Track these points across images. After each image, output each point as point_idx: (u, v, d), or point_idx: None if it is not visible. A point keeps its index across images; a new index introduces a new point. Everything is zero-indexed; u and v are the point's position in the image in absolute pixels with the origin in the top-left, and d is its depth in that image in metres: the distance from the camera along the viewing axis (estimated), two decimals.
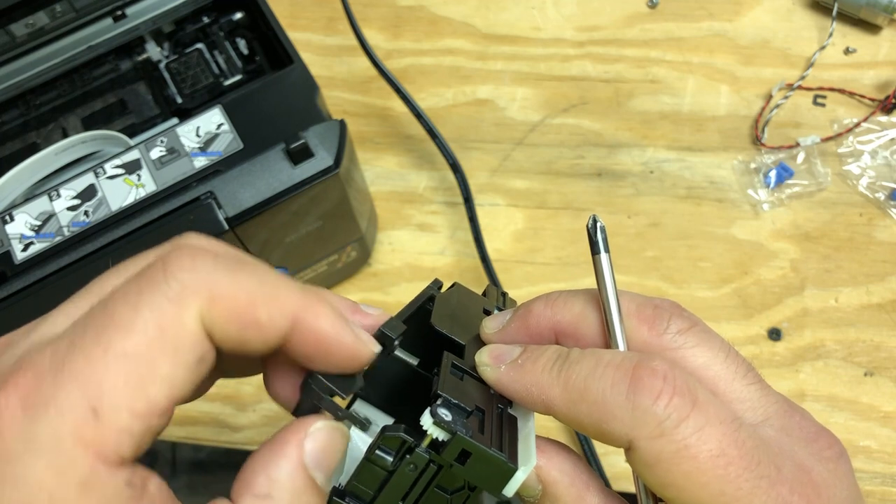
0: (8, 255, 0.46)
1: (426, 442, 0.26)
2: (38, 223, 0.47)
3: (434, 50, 0.74)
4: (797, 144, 0.66)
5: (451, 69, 0.73)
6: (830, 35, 0.70)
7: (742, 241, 0.64)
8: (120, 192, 0.47)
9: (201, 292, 0.22)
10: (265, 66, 0.55)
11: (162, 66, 0.55)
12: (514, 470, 0.26)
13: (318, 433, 0.25)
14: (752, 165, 0.66)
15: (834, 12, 0.70)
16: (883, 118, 0.67)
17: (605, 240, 0.29)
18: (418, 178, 0.69)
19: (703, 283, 0.62)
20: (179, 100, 0.53)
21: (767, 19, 0.72)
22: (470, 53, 0.73)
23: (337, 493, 0.27)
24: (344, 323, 0.26)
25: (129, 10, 0.54)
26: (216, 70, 0.54)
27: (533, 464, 0.27)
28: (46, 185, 0.50)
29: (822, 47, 0.70)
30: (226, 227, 0.47)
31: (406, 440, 0.26)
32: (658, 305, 0.29)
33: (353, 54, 0.72)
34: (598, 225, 0.29)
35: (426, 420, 0.26)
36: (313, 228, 0.53)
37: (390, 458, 0.26)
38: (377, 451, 0.26)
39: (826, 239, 0.63)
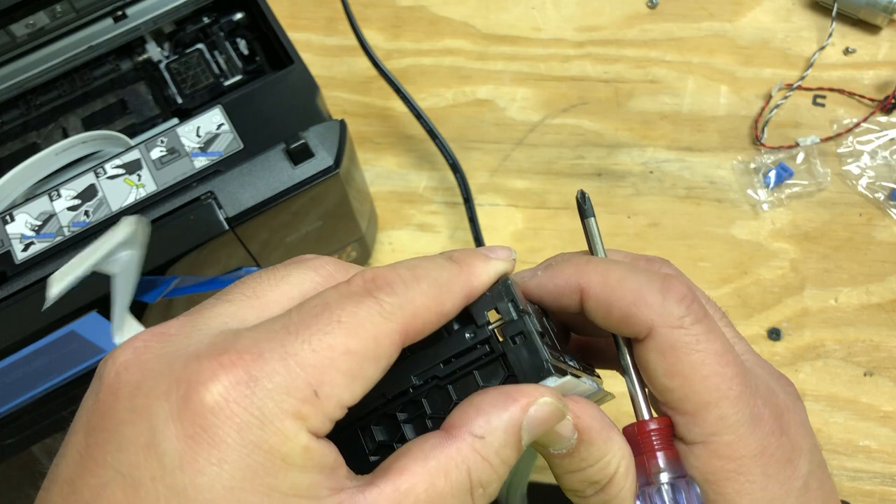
0: (8, 255, 0.46)
1: (495, 322, 0.28)
2: (39, 223, 0.47)
3: (434, 50, 0.74)
4: (797, 144, 0.66)
5: (451, 69, 0.73)
6: (830, 35, 0.70)
7: (742, 241, 0.64)
8: (120, 192, 0.47)
9: (406, 312, 0.26)
10: (265, 66, 0.55)
11: (162, 66, 0.55)
12: (551, 373, 0.28)
13: (545, 406, 0.27)
14: (752, 165, 0.66)
15: (833, 12, 0.70)
16: (882, 118, 0.67)
17: (591, 206, 0.34)
18: (418, 178, 0.69)
19: (703, 283, 0.62)
20: (180, 100, 0.53)
21: (767, 19, 0.72)
22: (470, 53, 0.73)
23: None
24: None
25: (130, 11, 0.54)
26: (216, 70, 0.54)
27: (567, 379, 0.29)
28: (47, 185, 0.51)
29: (822, 47, 0.70)
30: (226, 227, 0.47)
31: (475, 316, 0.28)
32: (651, 259, 0.35)
33: (353, 54, 0.72)
34: (586, 196, 0.34)
35: (501, 304, 0.28)
36: (313, 228, 0.53)
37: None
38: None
39: (826, 239, 0.63)
